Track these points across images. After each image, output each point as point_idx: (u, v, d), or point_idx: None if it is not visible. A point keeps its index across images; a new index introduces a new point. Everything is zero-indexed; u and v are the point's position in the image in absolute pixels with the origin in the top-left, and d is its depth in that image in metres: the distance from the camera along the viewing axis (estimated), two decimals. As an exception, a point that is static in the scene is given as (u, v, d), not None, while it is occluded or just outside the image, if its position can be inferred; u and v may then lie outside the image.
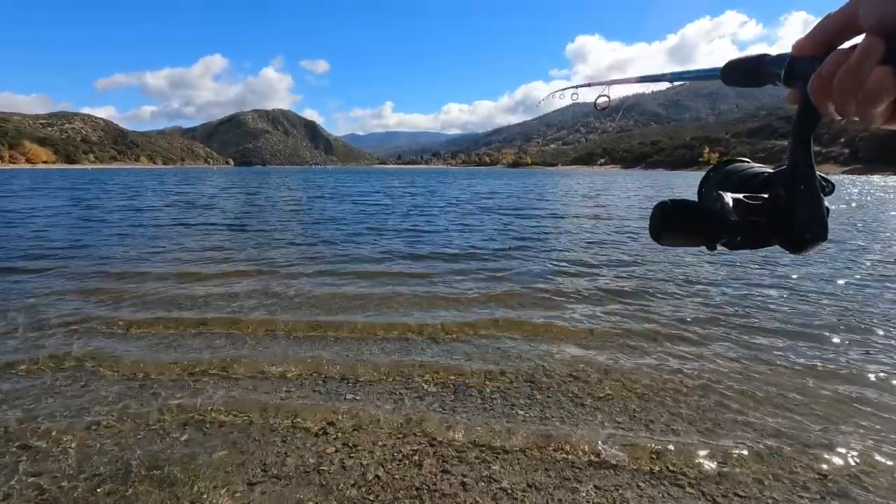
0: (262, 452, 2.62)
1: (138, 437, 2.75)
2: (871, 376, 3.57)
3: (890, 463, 2.57)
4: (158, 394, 3.25)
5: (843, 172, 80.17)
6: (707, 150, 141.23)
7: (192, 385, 3.38)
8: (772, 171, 0.57)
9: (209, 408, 3.08)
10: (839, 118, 0.43)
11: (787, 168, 0.52)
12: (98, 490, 2.32)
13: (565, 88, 1.55)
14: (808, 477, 2.47)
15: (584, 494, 2.34)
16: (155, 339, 4.25)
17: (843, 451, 2.66)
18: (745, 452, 2.65)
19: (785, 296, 5.68)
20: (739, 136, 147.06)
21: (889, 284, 6.30)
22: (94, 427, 2.84)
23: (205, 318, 4.76)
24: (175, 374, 3.55)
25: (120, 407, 3.07)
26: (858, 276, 6.73)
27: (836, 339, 4.30)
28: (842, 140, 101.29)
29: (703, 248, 0.54)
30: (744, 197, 0.52)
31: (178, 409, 3.06)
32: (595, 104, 1.19)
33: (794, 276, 6.63)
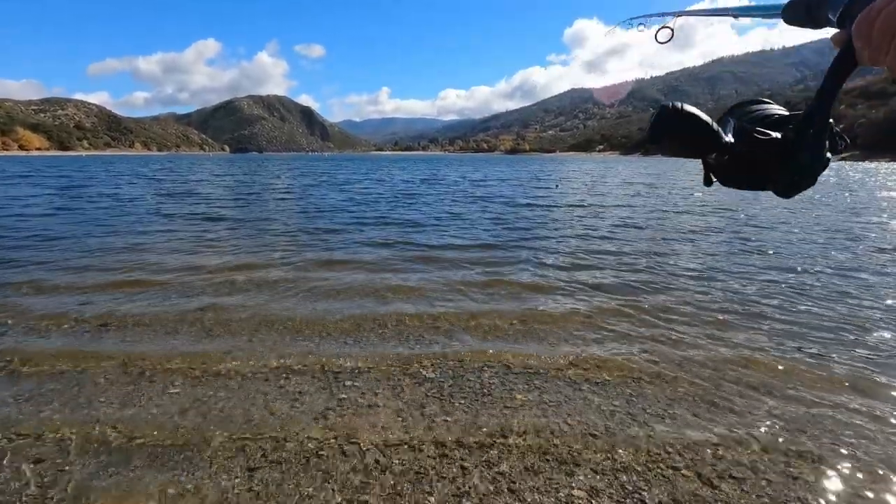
0: (260, 438, 2.64)
1: (138, 423, 2.76)
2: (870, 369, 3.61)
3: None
4: (156, 382, 3.26)
5: (842, 159, 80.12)
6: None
7: (191, 372, 3.39)
8: (787, 114, 0.58)
9: (209, 394, 3.09)
10: (873, 65, 0.44)
11: (804, 113, 0.52)
12: (101, 473, 2.33)
13: (632, 18, 1.51)
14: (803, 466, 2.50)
15: (581, 478, 2.37)
16: (154, 328, 4.25)
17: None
18: (741, 435, 2.69)
19: (788, 289, 5.71)
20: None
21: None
22: (95, 419, 2.85)
23: (202, 306, 4.77)
24: (175, 363, 3.56)
25: (122, 396, 3.09)
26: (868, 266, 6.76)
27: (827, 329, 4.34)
28: (841, 126, 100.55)
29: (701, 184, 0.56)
30: (754, 130, 0.53)
31: (178, 396, 3.07)
32: (656, 37, 1.14)
33: (798, 269, 6.66)
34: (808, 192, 0.50)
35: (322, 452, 2.52)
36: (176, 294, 5.15)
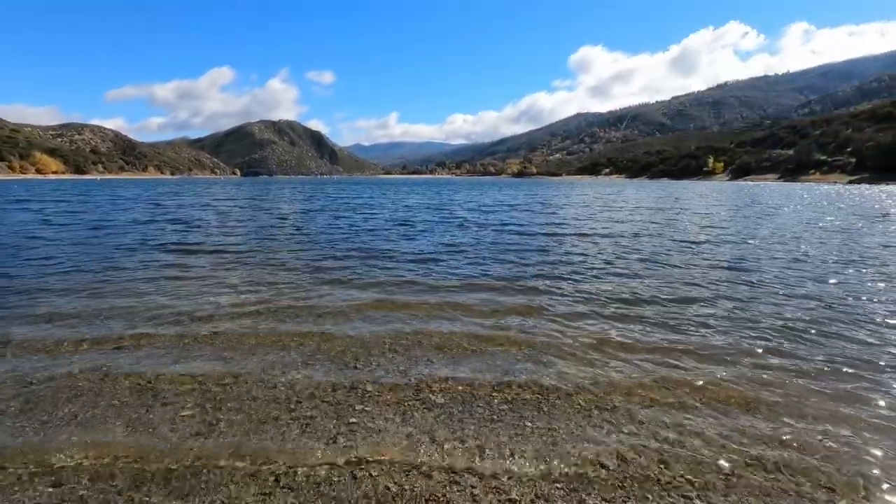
0: (273, 464, 2.66)
1: (150, 447, 2.80)
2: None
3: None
4: (168, 403, 3.30)
5: (850, 182, 79.79)
6: (711, 159, 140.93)
7: (202, 395, 3.43)
8: None
9: (221, 418, 3.13)
10: None
11: None
12: (111, 484, 2.36)
13: None
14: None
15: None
16: (162, 350, 4.30)
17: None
18: (753, 455, 2.67)
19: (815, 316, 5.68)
20: (744, 146, 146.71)
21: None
22: (108, 434, 2.89)
23: (216, 331, 4.83)
24: (186, 385, 3.60)
25: (133, 417, 3.12)
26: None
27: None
28: (848, 149, 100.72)
29: None
30: None
31: (190, 419, 3.11)
32: None
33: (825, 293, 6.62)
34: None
35: (333, 478, 2.54)
36: (188, 318, 5.22)
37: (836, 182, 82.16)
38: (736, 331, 4.84)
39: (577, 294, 6.33)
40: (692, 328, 4.93)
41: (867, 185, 66.92)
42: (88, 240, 11.31)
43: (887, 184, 69.83)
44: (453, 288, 6.60)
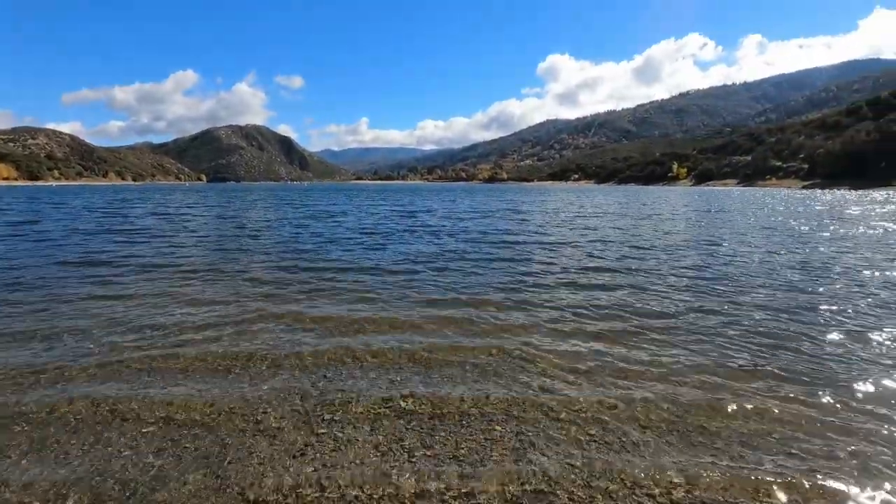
0: (238, 475, 2.61)
1: (111, 466, 2.70)
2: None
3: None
4: (128, 424, 3.19)
5: (804, 187, 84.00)
6: (676, 165, 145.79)
7: (167, 410, 3.33)
8: None
9: (184, 431, 3.04)
10: None
11: None
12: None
13: None
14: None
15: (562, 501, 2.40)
16: (125, 368, 4.16)
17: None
18: (712, 466, 2.78)
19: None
20: (705, 153, 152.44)
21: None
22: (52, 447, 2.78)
23: (177, 350, 4.70)
24: (149, 407, 3.49)
25: (90, 441, 3.01)
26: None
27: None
28: (801, 155, 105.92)
29: None
30: None
31: (153, 435, 3.01)
32: None
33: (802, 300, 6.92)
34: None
35: (300, 490, 2.50)
36: (149, 329, 5.06)
37: (790, 187, 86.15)
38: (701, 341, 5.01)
39: (534, 310, 6.43)
40: (711, 348, 5.08)
41: (819, 190, 70.42)
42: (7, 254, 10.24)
43: (837, 189, 73.76)
44: (404, 304, 6.60)
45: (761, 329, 5.11)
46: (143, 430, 3.07)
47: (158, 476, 2.61)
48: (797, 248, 11.25)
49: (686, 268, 8.72)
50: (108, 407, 3.36)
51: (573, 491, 2.51)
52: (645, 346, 4.64)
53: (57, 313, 5.59)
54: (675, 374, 3.96)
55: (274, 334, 4.93)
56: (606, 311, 5.85)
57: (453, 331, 5.09)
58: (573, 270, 8.49)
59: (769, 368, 4.08)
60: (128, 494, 2.46)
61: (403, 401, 3.48)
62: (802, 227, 16.22)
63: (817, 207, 28.48)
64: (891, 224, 17.44)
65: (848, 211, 24.98)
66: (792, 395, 3.60)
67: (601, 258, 9.78)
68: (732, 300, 6.35)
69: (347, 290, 6.86)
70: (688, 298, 6.46)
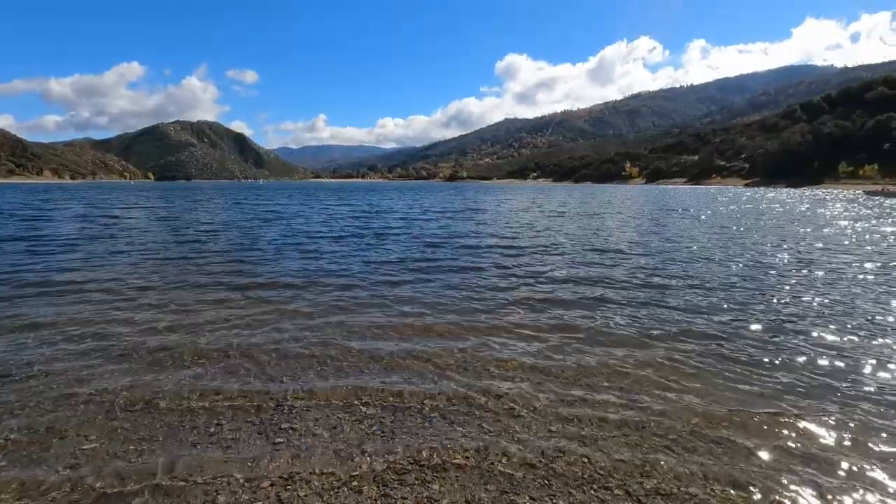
0: (189, 495, 2.47)
1: (45, 483, 2.50)
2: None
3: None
4: (68, 436, 2.98)
5: (746, 185, 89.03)
6: (629, 164, 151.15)
7: (108, 423, 3.13)
8: None
9: (131, 447, 2.86)
10: None
11: None
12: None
13: None
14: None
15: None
16: (68, 368, 3.88)
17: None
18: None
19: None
20: (656, 152, 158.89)
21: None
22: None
23: (130, 345, 4.43)
24: (91, 411, 3.26)
25: (27, 450, 2.78)
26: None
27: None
28: (743, 155, 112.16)
29: None
30: None
31: (93, 447, 2.81)
32: None
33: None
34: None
35: (258, 501, 2.40)
36: (93, 336, 4.75)
37: (734, 185, 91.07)
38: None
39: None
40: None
41: (760, 189, 74.73)
42: None
43: (775, 187, 78.60)
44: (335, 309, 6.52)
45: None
46: (83, 447, 2.86)
47: (98, 490, 2.44)
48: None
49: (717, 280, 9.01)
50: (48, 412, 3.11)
51: (535, 489, 2.52)
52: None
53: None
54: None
55: (234, 336, 4.72)
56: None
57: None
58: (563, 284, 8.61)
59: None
60: (65, 519, 2.28)
61: (364, 405, 3.40)
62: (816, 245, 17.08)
63: (777, 208, 30.05)
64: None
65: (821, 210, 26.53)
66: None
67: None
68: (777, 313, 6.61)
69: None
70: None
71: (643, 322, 5.38)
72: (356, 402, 3.48)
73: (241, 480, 2.57)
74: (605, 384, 3.81)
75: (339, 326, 5.16)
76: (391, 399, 3.52)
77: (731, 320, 5.46)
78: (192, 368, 4.03)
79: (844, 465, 2.76)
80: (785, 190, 68.32)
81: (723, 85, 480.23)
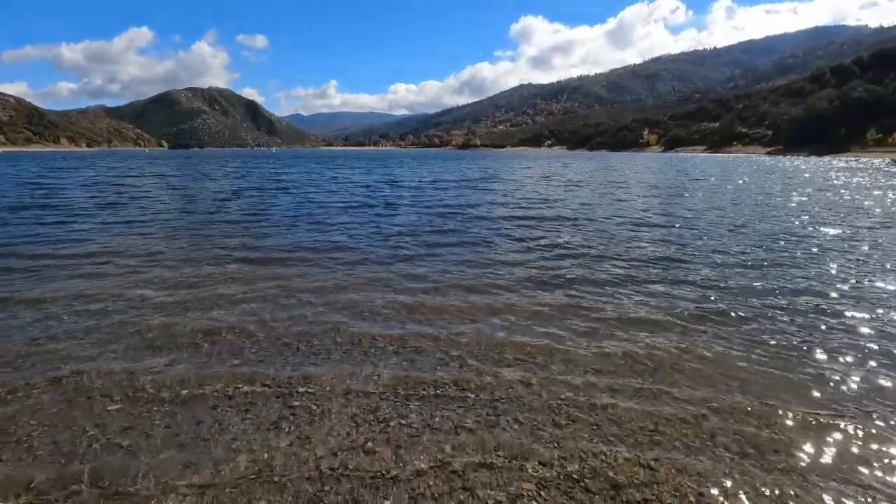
0: (211, 451, 2.58)
1: (71, 446, 2.63)
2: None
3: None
4: (94, 398, 3.10)
5: (767, 153, 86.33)
6: (646, 131, 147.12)
7: (133, 385, 3.24)
8: None
9: (153, 408, 2.98)
10: None
11: None
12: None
13: None
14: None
15: (529, 471, 2.47)
16: (91, 342, 4.01)
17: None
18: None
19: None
20: (676, 119, 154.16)
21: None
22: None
23: (143, 316, 4.55)
24: (117, 378, 3.39)
25: (52, 417, 2.91)
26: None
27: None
28: (766, 122, 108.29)
29: None
30: None
31: (120, 414, 2.93)
32: None
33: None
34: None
35: (275, 463, 2.50)
36: (115, 309, 4.88)
37: (754, 153, 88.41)
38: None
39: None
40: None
41: (781, 157, 72.44)
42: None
43: (797, 154, 76.09)
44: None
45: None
46: (109, 409, 2.98)
47: (128, 453, 2.55)
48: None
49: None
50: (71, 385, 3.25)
51: (545, 454, 2.58)
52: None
53: None
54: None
55: (247, 307, 4.81)
56: (578, 277, 5.92)
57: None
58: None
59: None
60: (98, 480, 2.41)
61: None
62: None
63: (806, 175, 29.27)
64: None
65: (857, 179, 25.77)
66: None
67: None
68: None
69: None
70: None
71: (663, 299, 5.34)
72: (370, 370, 3.55)
73: (259, 441, 2.67)
74: (621, 362, 3.83)
75: (349, 301, 5.22)
76: (402, 363, 3.59)
77: (767, 299, 5.39)
78: (201, 341, 4.12)
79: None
80: (808, 158, 66.15)
81: (748, 47, 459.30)
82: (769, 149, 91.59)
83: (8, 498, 2.25)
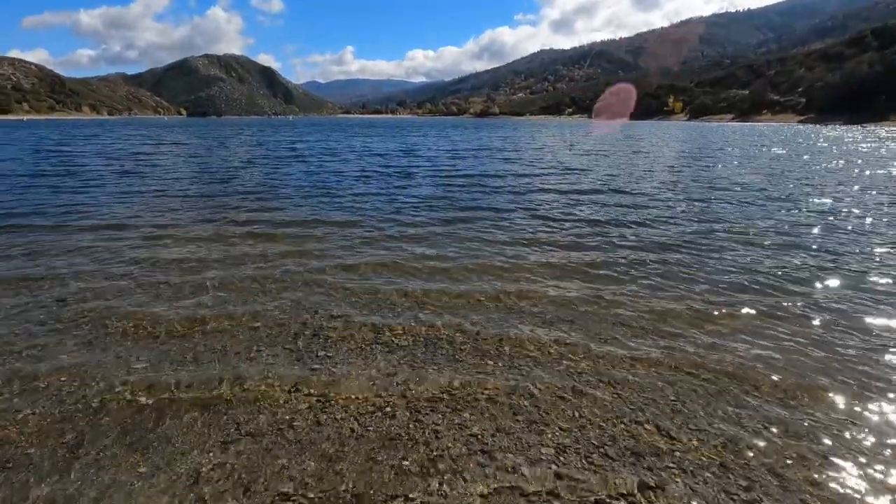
0: (234, 411, 2.62)
1: (110, 408, 2.70)
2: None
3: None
4: (123, 358, 3.17)
5: (799, 122, 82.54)
6: (672, 98, 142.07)
7: (158, 346, 3.31)
8: None
9: (177, 369, 3.04)
10: None
11: None
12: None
13: None
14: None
15: (549, 436, 2.47)
16: (121, 293, 4.09)
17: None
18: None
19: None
20: (703, 86, 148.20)
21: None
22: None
23: (168, 279, 4.62)
24: (141, 332, 3.46)
25: (81, 365, 2.99)
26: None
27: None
28: (800, 89, 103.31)
29: None
30: None
31: (142, 381, 3.00)
32: None
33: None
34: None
35: (296, 423, 2.53)
36: (142, 266, 4.96)
37: (785, 122, 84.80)
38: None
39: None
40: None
41: (814, 126, 69.31)
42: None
43: (830, 124, 72.69)
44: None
45: None
46: (133, 366, 3.05)
47: (155, 415, 2.62)
48: None
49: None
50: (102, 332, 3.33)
51: (564, 421, 2.56)
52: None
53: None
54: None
55: (272, 266, 4.85)
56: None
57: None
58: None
59: (757, 302, 4.12)
60: (126, 437, 2.48)
61: (396, 337, 3.48)
62: None
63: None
64: None
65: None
66: (778, 328, 3.66)
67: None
68: None
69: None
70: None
71: (685, 273, 5.22)
72: (389, 335, 3.56)
73: (281, 400, 2.71)
74: (641, 330, 3.76)
75: (363, 269, 5.21)
76: (424, 331, 3.59)
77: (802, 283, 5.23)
78: (224, 300, 4.17)
79: None
80: (843, 127, 63.18)
81: (784, 9, 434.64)
82: (801, 117, 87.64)
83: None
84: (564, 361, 3.19)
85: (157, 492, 2.08)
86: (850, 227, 6.95)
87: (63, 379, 2.90)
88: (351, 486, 2.12)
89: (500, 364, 3.15)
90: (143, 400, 2.72)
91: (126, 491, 2.08)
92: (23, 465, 2.21)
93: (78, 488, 2.09)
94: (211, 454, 2.30)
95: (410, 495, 2.08)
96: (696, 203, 8.87)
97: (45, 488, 2.08)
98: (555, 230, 6.73)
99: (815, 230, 6.81)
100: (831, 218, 7.61)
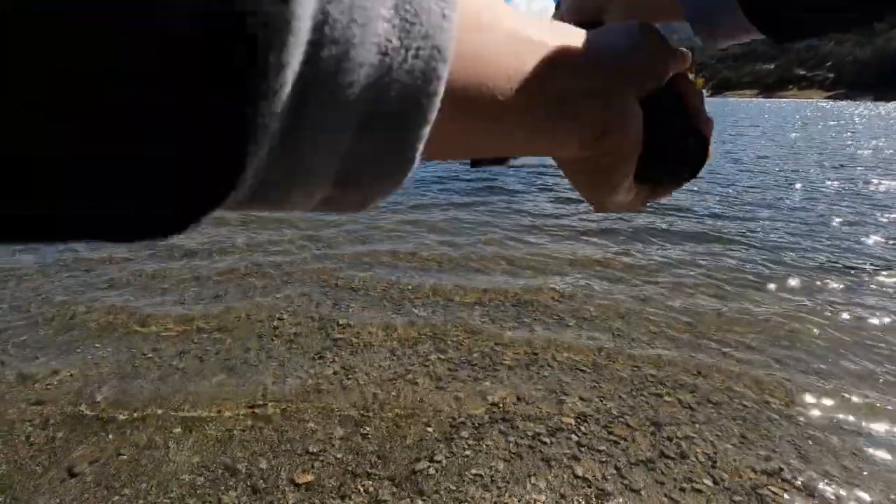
0: (260, 377, 2.70)
1: (132, 366, 2.79)
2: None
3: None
4: (150, 321, 3.26)
5: (826, 98, 79.81)
6: (693, 74, 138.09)
7: (186, 309, 3.40)
8: None
9: (204, 335, 3.12)
10: None
11: None
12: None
13: None
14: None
15: (569, 405, 2.50)
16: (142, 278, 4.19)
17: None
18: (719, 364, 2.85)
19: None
20: (725, 62, 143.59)
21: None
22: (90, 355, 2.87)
23: (188, 244, 4.70)
24: (167, 306, 3.55)
25: (109, 347, 3.09)
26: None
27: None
28: (828, 64, 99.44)
29: None
30: None
31: (174, 340, 3.09)
32: None
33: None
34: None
35: (322, 388, 2.60)
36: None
37: (812, 98, 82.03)
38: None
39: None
40: None
41: (844, 102, 66.91)
42: None
43: (859, 101, 70.04)
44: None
45: None
46: (163, 335, 3.14)
47: (181, 377, 2.71)
48: None
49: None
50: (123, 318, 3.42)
51: (584, 391, 2.59)
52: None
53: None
54: (687, 284, 3.97)
55: (291, 229, 4.91)
56: None
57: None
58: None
59: None
60: (152, 399, 2.57)
61: (416, 308, 3.51)
62: None
63: None
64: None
65: None
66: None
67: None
68: None
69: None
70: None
71: (714, 262, 5.16)
72: (408, 302, 3.60)
73: (306, 367, 2.78)
74: (654, 324, 3.74)
75: (376, 248, 5.25)
76: (440, 301, 3.62)
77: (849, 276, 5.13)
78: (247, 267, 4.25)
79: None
80: (873, 104, 60.87)
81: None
82: (829, 93, 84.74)
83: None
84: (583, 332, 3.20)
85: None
86: None
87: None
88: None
89: (519, 332, 3.17)
90: (173, 362, 2.81)
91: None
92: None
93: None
94: (239, 417, 2.39)
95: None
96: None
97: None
98: (573, 215, 6.65)
99: None
100: None
